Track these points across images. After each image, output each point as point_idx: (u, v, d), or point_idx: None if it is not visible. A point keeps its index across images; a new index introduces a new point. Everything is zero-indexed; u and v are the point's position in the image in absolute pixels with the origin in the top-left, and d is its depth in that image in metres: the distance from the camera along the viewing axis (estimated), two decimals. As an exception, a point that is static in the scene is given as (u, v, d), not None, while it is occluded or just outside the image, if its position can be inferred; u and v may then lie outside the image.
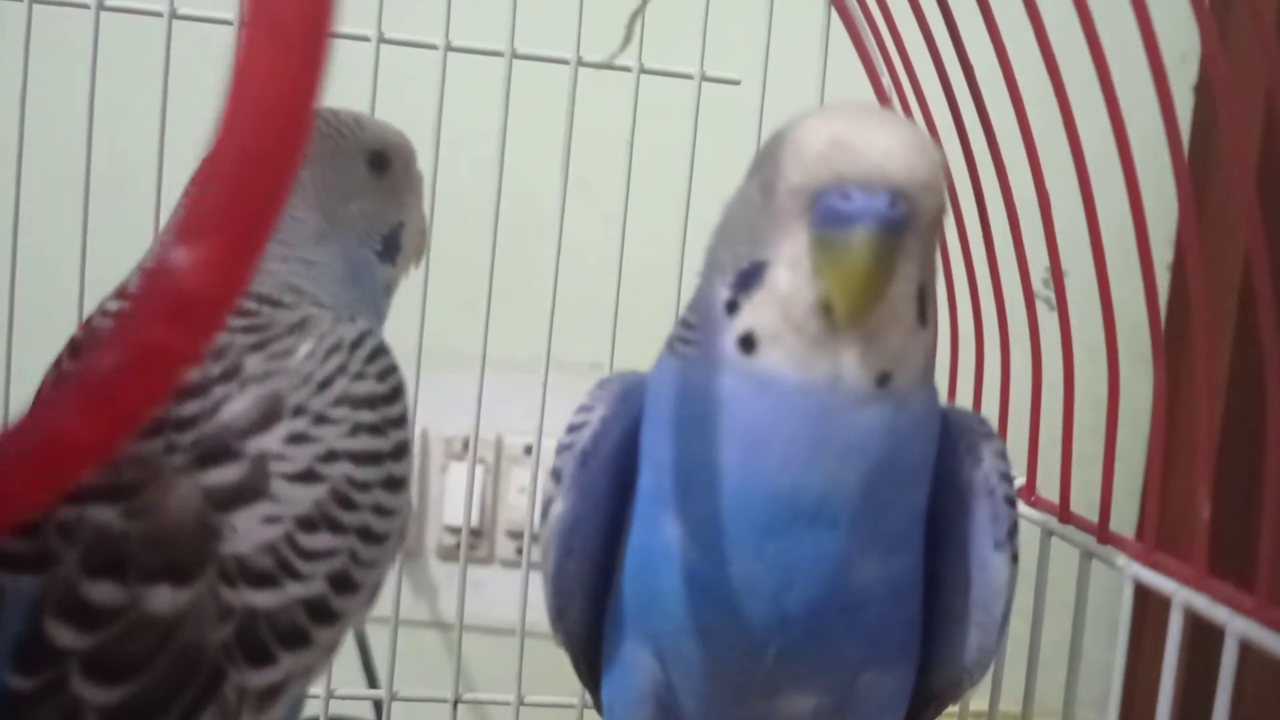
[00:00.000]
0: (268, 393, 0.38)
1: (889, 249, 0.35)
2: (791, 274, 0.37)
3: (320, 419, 0.38)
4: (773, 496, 0.38)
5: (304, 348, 0.39)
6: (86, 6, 0.62)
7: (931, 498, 0.42)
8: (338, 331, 0.40)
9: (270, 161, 0.24)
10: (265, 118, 0.23)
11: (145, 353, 0.24)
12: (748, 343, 0.38)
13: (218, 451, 0.36)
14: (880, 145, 0.36)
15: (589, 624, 0.46)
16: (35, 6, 0.62)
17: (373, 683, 0.86)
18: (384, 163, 0.50)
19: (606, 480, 0.44)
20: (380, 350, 0.41)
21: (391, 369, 0.42)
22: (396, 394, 0.41)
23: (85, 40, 0.61)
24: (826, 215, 0.36)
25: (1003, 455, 0.43)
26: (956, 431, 0.43)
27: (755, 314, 0.38)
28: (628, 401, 0.43)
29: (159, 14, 0.62)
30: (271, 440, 0.37)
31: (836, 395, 0.37)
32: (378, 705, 0.81)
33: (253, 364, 0.38)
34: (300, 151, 0.24)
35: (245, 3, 0.23)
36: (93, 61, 0.62)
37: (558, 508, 0.44)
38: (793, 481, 0.38)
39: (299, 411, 0.38)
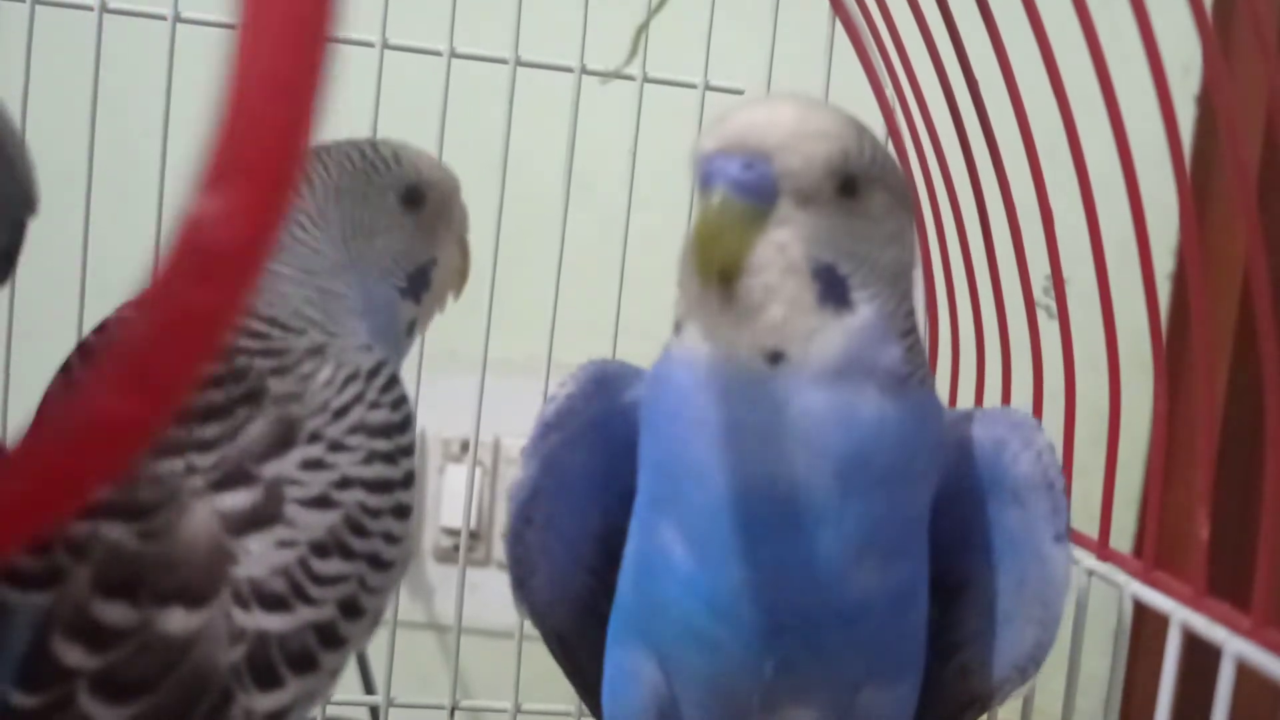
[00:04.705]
0: (284, 418, 0.38)
1: (741, 210, 0.36)
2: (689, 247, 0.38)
3: (336, 446, 0.38)
4: (742, 487, 0.38)
5: (323, 374, 0.39)
6: (90, 9, 0.62)
7: (955, 503, 0.42)
8: (355, 360, 0.40)
9: (296, 89, 0.21)
10: (286, 39, 0.21)
11: (179, 319, 0.22)
12: (678, 323, 0.40)
13: (233, 475, 0.36)
14: (750, 117, 0.38)
15: (564, 610, 0.47)
16: (38, 8, 0.62)
17: (369, 688, 0.86)
18: (418, 199, 0.47)
19: (579, 460, 0.45)
20: (394, 380, 0.42)
21: (404, 399, 0.42)
22: (408, 423, 0.41)
23: (88, 42, 0.61)
24: (698, 182, 0.38)
25: (1054, 449, 0.42)
26: (1003, 429, 0.42)
27: (682, 293, 0.39)
28: (603, 384, 0.44)
29: (163, 17, 0.62)
30: (287, 465, 0.37)
31: (742, 372, 0.37)
32: (374, 711, 0.81)
33: (276, 388, 0.38)
34: (326, 72, 0.21)
35: None
36: (95, 63, 0.62)
37: (517, 476, 0.45)
38: (757, 470, 0.38)
39: (315, 438, 0.38)
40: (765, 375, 0.37)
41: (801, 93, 0.40)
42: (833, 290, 0.38)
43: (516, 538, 0.46)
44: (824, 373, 0.37)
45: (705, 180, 0.38)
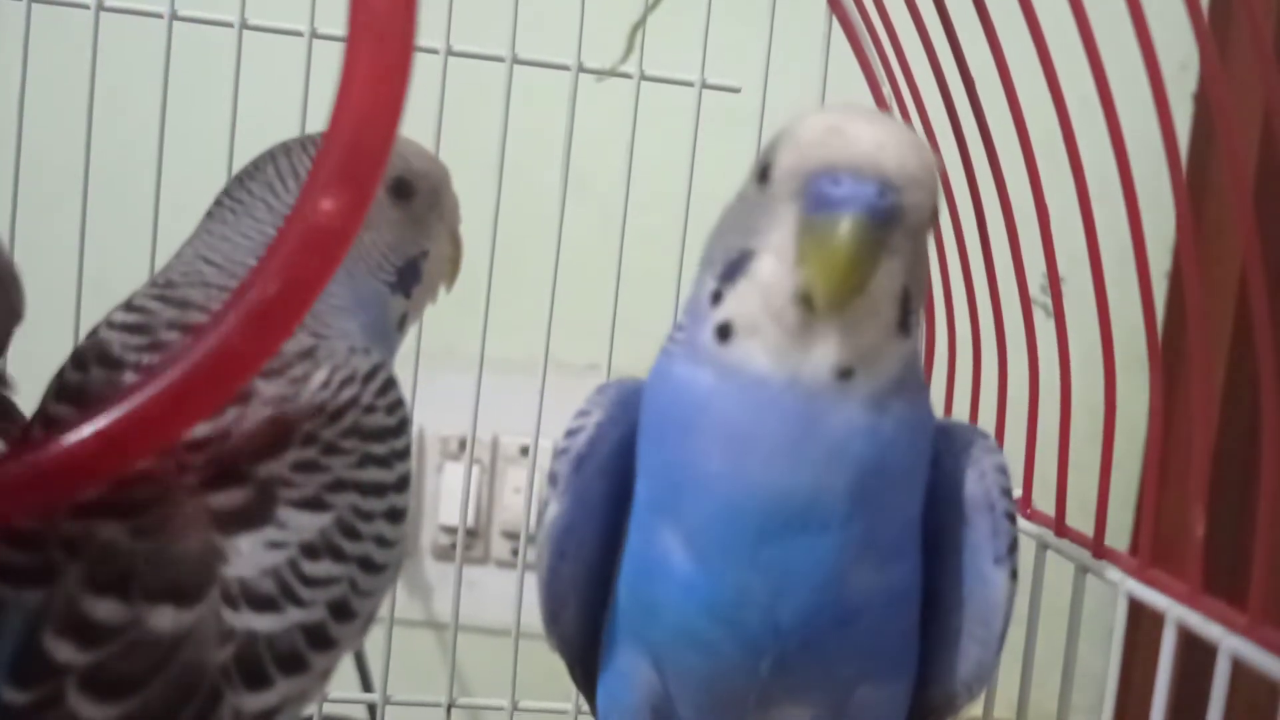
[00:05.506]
0: (279, 419, 0.38)
1: (874, 238, 0.36)
2: (776, 262, 0.37)
3: (330, 448, 0.38)
4: (758, 498, 0.38)
5: (318, 376, 0.39)
6: (86, 7, 0.62)
7: (931, 511, 0.42)
8: (352, 363, 0.40)
9: (382, 118, 0.35)
10: (375, 89, 0.36)
11: (313, 232, 0.32)
12: (724, 331, 0.38)
13: (226, 474, 0.36)
14: (874, 136, 0.37)
15: (585, 630, 0.46)
16: (35, 6, 0.62)
17: (366, 685, 0.86)
18: (407, 191, 0.47)
19: (603, 486, 0.44)
20: (391, 383, 0.41)
21: (400, 402, 0.41)
22: (404, 427, 0.41)
23: (85, 40, 0.61)
24: (816, 200, 0.36)
25: (1004, 470, 0.42)
26: (959, 445, 0.43)
27: (737, 303, 0.38)
28: (625, 407, 0.43)
29: (159, 15, 0.62)
30: (280, 466, 0.37)
31: (799, 388, 0.37)
32: (371, 708, 0.81)
33: (267, 389, 0.38)
34: (400, 110, 0.34)
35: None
36: (92, 62, 0.62)
37: (552, 511, 0.44)
38: (777, 482, 0.38)
39: (310, 440, 0.38)
40: (819, 391, 0.37)
41: (870, 106, 0.40)
42: (905, 315, 0.38)
43: (553, 574, 0.44)
44: (878, 390, 0.38)
45: (832, 200, 0.36)
